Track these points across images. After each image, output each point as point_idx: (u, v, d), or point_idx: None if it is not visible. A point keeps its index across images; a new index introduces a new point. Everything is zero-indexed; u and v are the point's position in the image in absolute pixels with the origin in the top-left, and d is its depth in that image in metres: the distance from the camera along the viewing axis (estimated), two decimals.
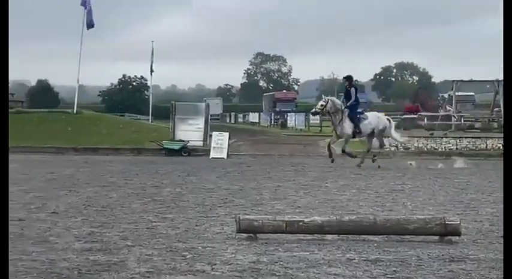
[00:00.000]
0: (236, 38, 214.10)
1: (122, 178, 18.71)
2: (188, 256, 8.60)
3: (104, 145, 31.85)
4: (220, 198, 14.47)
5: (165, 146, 30.28)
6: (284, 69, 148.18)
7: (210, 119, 34.79)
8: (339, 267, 8.09)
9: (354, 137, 24.05)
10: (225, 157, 28.01)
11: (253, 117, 76.91)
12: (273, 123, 66.20)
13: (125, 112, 77.05)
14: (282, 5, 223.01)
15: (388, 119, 25.06)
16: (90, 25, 39.96)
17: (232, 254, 8.72)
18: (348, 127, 23.36)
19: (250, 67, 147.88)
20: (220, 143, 29.02)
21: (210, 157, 27.88)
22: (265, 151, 25.24)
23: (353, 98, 23.53)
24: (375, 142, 24.32)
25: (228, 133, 29.86)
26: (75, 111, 40.47)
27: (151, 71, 52.98)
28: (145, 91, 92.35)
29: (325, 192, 15.87)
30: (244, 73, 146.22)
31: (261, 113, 77.11)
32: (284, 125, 60.13)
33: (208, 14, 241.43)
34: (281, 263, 8.26)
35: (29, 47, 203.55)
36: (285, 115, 63.42)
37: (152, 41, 53.65)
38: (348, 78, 24.63)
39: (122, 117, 62.34)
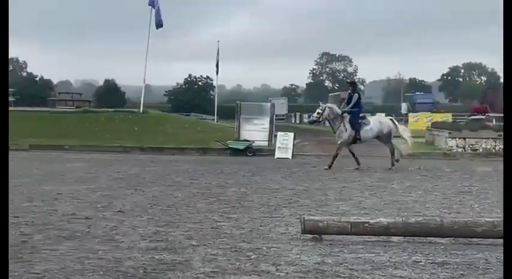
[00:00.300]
0: (302, 38, 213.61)
1: (187, 178, 18.81)
2: (253, 256, 8.59)
3: (170, 145, 32.05)
4: (285, 198, 14.44)
5: (230, 146, 30.35)
6: (350, 69, 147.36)
7: (275, 119, 34.75)
8: (405, 270, 7.99)
9: (354, 142, 23.40)
10: (290, 157, 27.95)
11: None
12: None
13: (190, 111, 77.51)
14: (349, 4, 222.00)
15: (391, 120, 24.49)
16: (159, 25, 40.27)
17: (296, 255, 8.68)
18: (346, 132, 22.93)
19: (316, 67, 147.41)
20: (285, 143, 28.97)
21: (275, 157, 27.86)
22: (330, 152, 24.97)
23: (352, 103, 23.05)
24: (389, 145, 23.66)
25: (293, 133, 29.78)
26: (141, 111, 40.82)
27: (217, 71, 53.21)
28: (211, 91, 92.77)
29: (391, 193, 15.72)
30: (310, 73, 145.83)
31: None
32: None
33: (274, 13, 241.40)
34: (346, 264, 8.20)
35: (97, 47, 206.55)
36: None
37: (218, 41, 53.86)
38: (352, 84, 24.32)
39: (188, 116, 62.71)
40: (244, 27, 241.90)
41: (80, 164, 22.87)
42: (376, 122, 23.85)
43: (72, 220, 11.17)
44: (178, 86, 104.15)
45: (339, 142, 23.01)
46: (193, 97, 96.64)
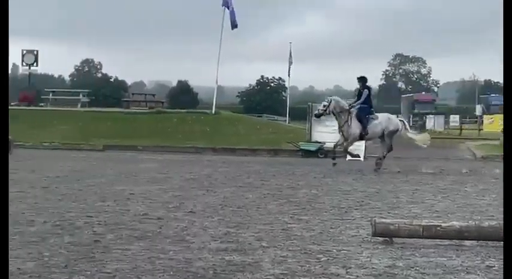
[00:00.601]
0: (374, 39, 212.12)
1: (258, 179, 18.84)
2: (323, 259, 8.55)
3: (242, 146, 32.17)
4: (356, 201, 14.35)
5: (301, 147, 30.32)
6: (423, 71, 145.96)
7: None
8: (478, 275, 7.86)
9: (361, 139, 23.13)
10: (362, 159, 27.77)
11: None
12: (411, 125, 65.27)
13: (262, 113, 77.71)
14: (420, 5, 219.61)
15: (401, 121, 23.97)
16: (233, 25, 40.44)
17: (367, 258, 8.61)
18: (354, 127, 22.44)
19: (389, 68, 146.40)
20: (357, 145, 28.79)
21: (347, 159, 27.65)
22: (403, 154, 24.82)
23: (362, 99, 22.63)
24: (385, 144, 23.13)
25: None
26: (213, 112, 41.04)
27: (289, 72, 53.25)
28: (283, 93, 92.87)
29: (464, 196, 15.50)
30: (383, 74, 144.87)
31: (399, 115, 76.12)
32: (422, 127, 59.26)
33: (346, 14, 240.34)
34: (417, 268, 8.10)
35: (171, 48, 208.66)
36: (424, 117, 62.49)
37: (290, 42, 53.95)
38: (361, 79, 23.61)
39: (260, 117, 62.89)
40: (317, 28, 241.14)
41: (153, 164, 23.12)
42: (385, 117, 23.35)
43: (144, 220, 11.29)
44: (251, 87, 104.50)
45: (350, 138, 22.61)
46: (265, 98, 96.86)
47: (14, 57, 53.71)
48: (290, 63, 52.39)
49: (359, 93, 23.05)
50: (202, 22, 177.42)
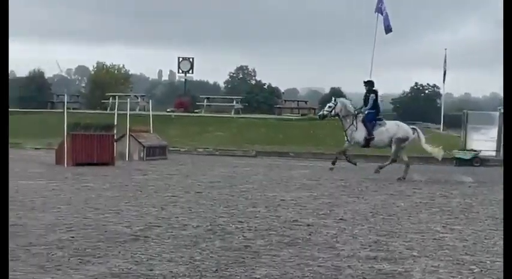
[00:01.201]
0: None
1: (410, 187, 18.57)
2: (476, 270, 8.31)
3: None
4: None
5: (455, 156, 29.68)
6: None
7: None
8: None
9: (366, 145, 21.74)
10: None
11: None
12: None
13: (416, 120, 76.60)
14: None
15: (413, 129, 22.34)
16: (388, 29, 40.13)
17: None
18: (359, 132, 21.31)
19: None
20: None
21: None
22: None
23: (369, 105, 21.44)
24: (392, 152, 21.70)
25: None
26: None
27: (444, 79, 52.28)
28: (438, 100, 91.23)
29: None
30: None
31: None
32: None
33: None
34: None
35: (324, 56, 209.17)
36: None
37: (445, 49, 52.89)
38: (368, 83, 22.37)
39: (413, 124, 61.89)
40: (475, 35, 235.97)
41: (304, 171, 23.22)
42: (393, 125, 22.09)
43: (293, 226, 11.31)
44: (404, 94, 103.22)
45: (352, 142, 21.61)
46: (419, 105, 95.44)
47: (171, 64, 55.07)
48: (445, 69, 51.37)
49: (365, 98, 22.01)
50: (356, 29, 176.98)
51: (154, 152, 28.16)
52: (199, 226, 11.05)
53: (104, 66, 74.55)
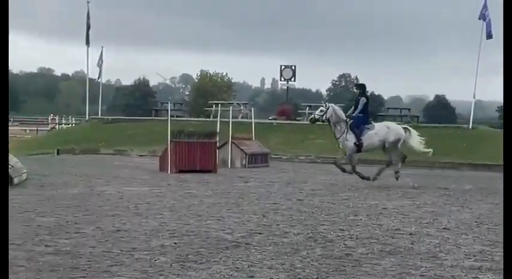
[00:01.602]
0: None
1: None
2: None
3: (499, 162, 31.10)
4: None
5: None
6: None
7: None
8: None
9: (358, 151, 20.55)
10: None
11: None
12: None
13: None
14: None
15: (405, 128, 21.20)
16: (489, 35, 39.71)
17: None
18: (349, 139, 20.26)
19: None
20: None
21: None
22: None
23: (359, 109, 20.41)
24: (392, 154, 20.72)
25: None
26: (470, 127, 40.13)
27: None
28: None
29: None
30: None
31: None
32: None
33: None
34: None
35: (429, 63, 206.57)
36: None
37: None
38: (360, 87, 21.52)
39: None
40: None
41: (407, 179, 22.90)
42: (383, 127, 20.98)
43: (396, 235, 11.18)
44: None
45: (348, 152, 20.49)
46: None
47: (274, 72, 55.48)
48: None
49: (356, 101, 21.09)
50: (461, 35, 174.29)
51: (256, 159, 28.32)
52: (300, 233, 11.04)
53: (208, 74, 75.49)
